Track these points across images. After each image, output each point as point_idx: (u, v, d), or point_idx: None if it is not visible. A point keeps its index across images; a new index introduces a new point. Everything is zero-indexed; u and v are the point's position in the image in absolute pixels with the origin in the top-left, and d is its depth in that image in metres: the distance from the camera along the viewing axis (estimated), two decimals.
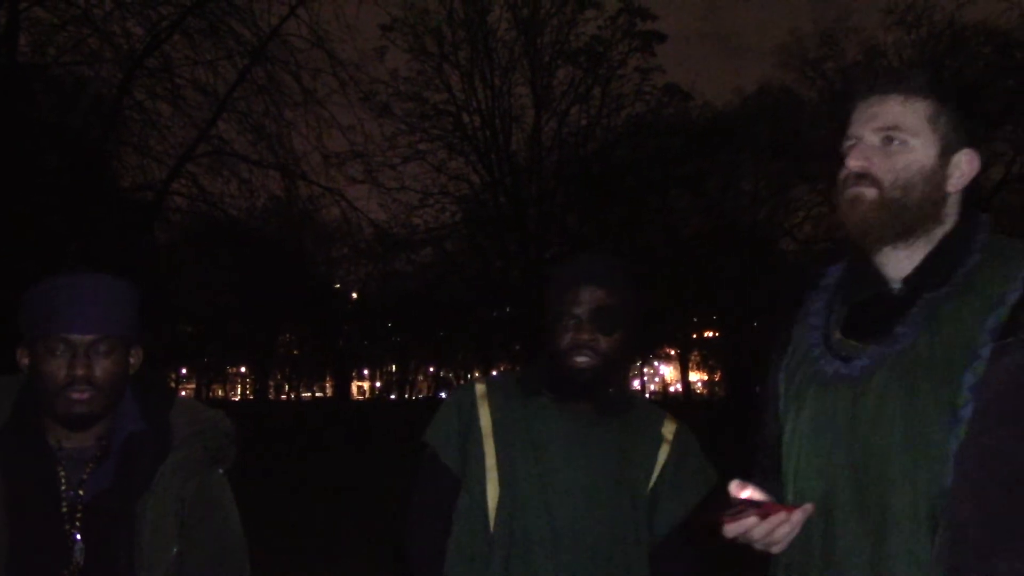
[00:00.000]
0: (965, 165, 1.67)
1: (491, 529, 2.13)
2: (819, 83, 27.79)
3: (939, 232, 1.66)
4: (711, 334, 49.10)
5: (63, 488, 1.92)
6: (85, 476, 1.94)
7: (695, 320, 43.73)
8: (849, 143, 1.69)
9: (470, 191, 27.81)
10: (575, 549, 2.11)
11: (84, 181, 13.70)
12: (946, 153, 1.65)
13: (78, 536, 1.90)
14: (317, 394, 69.41)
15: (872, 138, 1.66)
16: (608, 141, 28.04)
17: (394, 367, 59.75)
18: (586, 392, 2.20)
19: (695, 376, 65.84)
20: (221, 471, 2.08)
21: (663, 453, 2.25)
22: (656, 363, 74.34)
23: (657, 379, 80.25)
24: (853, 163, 1.65)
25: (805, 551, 1.62)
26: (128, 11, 14.50)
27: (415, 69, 26.52)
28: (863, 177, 1.64)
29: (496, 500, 2.14)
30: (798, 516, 1.56)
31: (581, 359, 2.15)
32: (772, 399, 1.83)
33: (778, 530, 1.57)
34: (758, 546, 1.60)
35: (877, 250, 1.68)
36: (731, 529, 1.57)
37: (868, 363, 1.60)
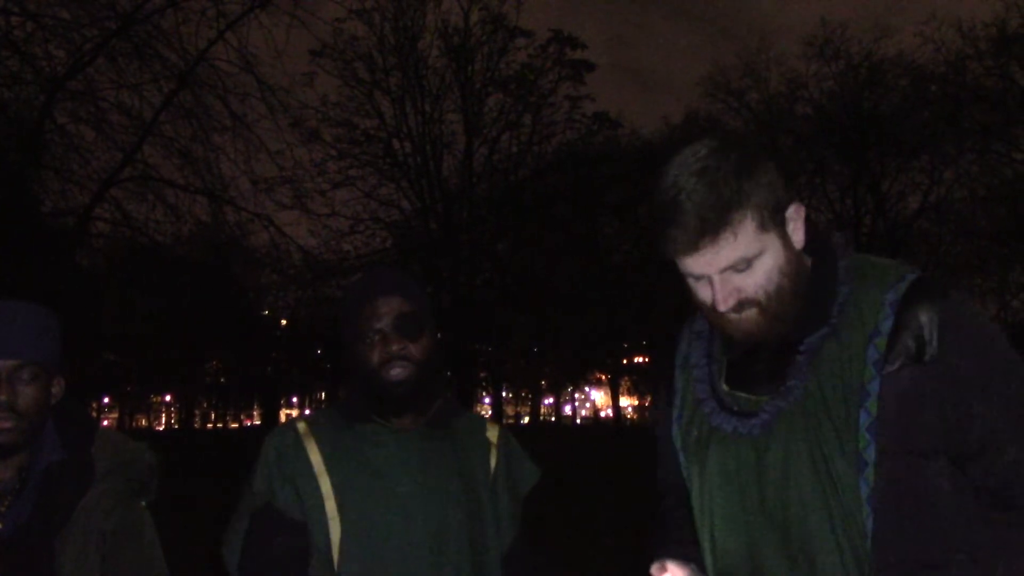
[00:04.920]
0: (793, 220, 1.61)
1: (336, 570, 2.02)
2: (744, 113, 28.46)
3: (805, 275, 1.63)
4: (641, 360, 49.60)
5: None
6: (3, 509, 1.89)
7: (625, 346, 44.12)
8: (699, 280, 1.61)
9: (401, 217, 27.78)
10: (436, 569, 2.05)
11: (3, 206, 13.35)
12: (784, 233, 1.59)
13: None
14: (246, 422, 68.24)
15: (724, 276, 1.57)
16: (538, 168, 28.28)
17: (323, 394, 59.05)
18: (410, 404, 2.14)
19: (626, 401, 66.33)
20: (143, 504, 2.04)
21: (493, 458, 2.24)
22: (587, 389, 74.74)
23: (588, 404, 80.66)
24: (724, 308, 1.58)
25: None
26: (50, 33, 14.24)
27: (345, 95, 26.47)
28: (740, 305, 1.58)
29: (339, 538, 2.03)
30: None
31: (396, 371, 2.09)
32: (671, 453, 1.80)
33: None
34: None
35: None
36: None
37: (767, 418, 1.59)
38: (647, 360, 47.08)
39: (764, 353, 1.64)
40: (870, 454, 1.49)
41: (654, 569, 1.59)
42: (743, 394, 1.65)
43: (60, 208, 15.53)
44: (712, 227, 1.52)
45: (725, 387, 1.69)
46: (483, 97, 28.00)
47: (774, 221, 1.56)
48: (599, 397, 77.00)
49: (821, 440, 1.53)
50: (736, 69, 28.68)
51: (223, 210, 16.65)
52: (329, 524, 2.04)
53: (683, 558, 1.64)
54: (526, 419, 62.14)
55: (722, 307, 1.58)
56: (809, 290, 1.62)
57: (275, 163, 16.93)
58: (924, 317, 1.52)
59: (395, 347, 2.10)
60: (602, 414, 73.97)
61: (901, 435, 1.49)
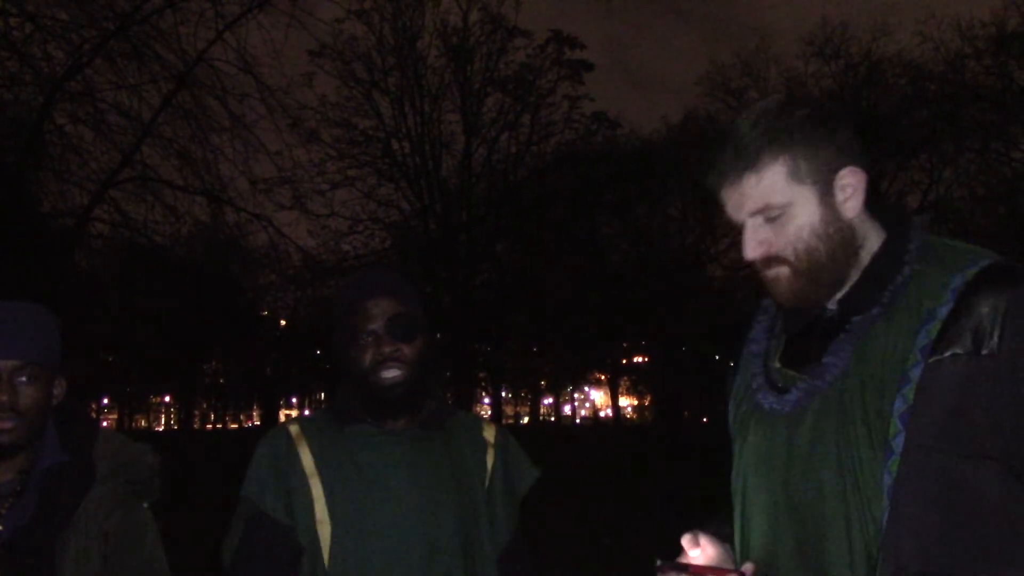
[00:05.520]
0: (852, 182, 1.54)
1: (327, 572, 2.01)
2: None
3: (866, 251, 1.56)
4: (640, 359, 49.61)
5: None
6: (4, 511, 1.89)
7: (624, 346, 44.13)
8: (737, 227, 1.60)
9: (400, 217, 27.79)
10: (428, 570, 2.05)
11: (2, 207, 13.34)
12: (825, 192, 1.53)
13: None
14: (246, 423, 68.21)
15: (754, 221, 1.56)
16: (537, 168, 28.30)
17: (323, 394, 59.05)
18: (403, 406, 2.13)
19: (625, 401, 66.32)
20: (145, 505, 2.04)
21: (490, 458, 2.24)
22: (587, 388, 74.74)
23: (588, 404, 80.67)
24: (750, 255, 1.57)
25: None
26: (49, 34, 14.23)
27: (344, 95, 26.50)
28: (769, 260, 1.56)
29: (330, 541, 2.03)
30: None
31: (389, 373, 2.08)
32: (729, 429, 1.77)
33: None
34: None
35: (822, 305, 1.59)
36: None
37: (800, 396, 1.52)
38: (646, 360, 47.06)
39: (818, 330, 1.57)
40: (898, 443, 1.38)
41: (685, 541, 1.55)
42: (790, 371, 1.58)
43: (59, 209, 15.53)
44: (739, 165, 1.53)
45: (777, 364, 1.63)
46: (482, 97, 28.03)
47: (812, 177, 1.52)
48: (598, 397, 76.96)
49: (850, 424, 1.44)
50: (735, 68, 28.73)
51: (222, 211, 16.67)
52: (319, 527, 2.05)
53: (719, 536, 1.61)
54: (525, 419, 62.17)
55: (748, 255, 1.56)
56: (869, 265, 1.55)
57: (274, 163, 17.00)
58: (987, 305, 1.38)
59: (387, 349, 2.09)
60: (601, 414, 73.95)
61: (941, 431, 1.37)
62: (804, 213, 1.53)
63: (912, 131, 24.98)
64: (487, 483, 2.20)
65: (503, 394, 45.84)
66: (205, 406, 65.41)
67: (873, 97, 26.63)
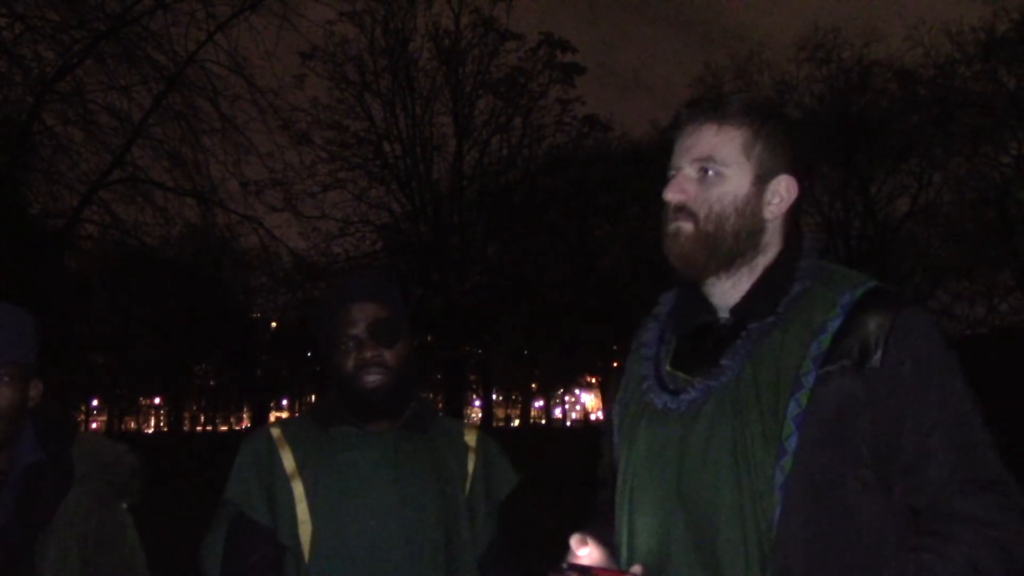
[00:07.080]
0: (784, 191, 1.63)
1: (308, 571, 2.02)
2: None
3: (763, 260, 1.64)
4: None
5: None
6: None
7: (615, 348, 44.20)
8: (670, 173, 1.67)
9: (391, 220, 27.74)
10: (409, 570, 2.05)
11: None
12: (762, 180, 1.62)
13: None
14: (236, 426, 68.02)
15: (690, 170, 1.64)
16: (529, 171, 28.26)
17: (313, 397, 58.95)
18: (385, 410, 2.14)
19: None
20: (125, 506, 2.03)
21: (471, 462, 2.24)
22: (577, 391, 74.76)
23: (578, 407, 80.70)
24: (670, 195, 1.63)
25: None
26: (39, 35, 14.20)
27: (335, 97, 26.43)
28: (681, 210, 1.63)
29: (311, 541, 2.04)
30: None
31: (371, 378, 2.09)
32: (608, 431, 1.82)
33: None
34: None
35: (702, 280, 1.66)
36: None
37: (696, 396, 1.58)
38: None
39: (712, 336, 1.64)
40: (791, 443, 1.46)
41: (573, 541, 1.58)
42: (682, 374, 1.64)
43: (49, 210, 15.50)
44: (712, 111, 1.64)
45: (668, 368, 1.68)
46: (473, 100, 28.00)
47: (759, 162, 1.62)
48: (589, 400, 77.00)
49: (745, 423, 1.50)
50: (727, 72, 28.73)
51: (213, 212, 16.66)
52: (300, 527, 2.05)
53: (602, 542, 1.63)
54: (516, 422, 62.17)
55: (667, 195, 1.63)
56: (765, 276, 1.63)
57: (265, 165, 16.94)
58: (873, 323, 1.50)
59: (369, 354, 2.10)
60: (592, 417, 73.99)
61: (825, 436, 1.46)
62: (734, 183, 1.61)
63: (902, 135, 25.03)
64: (468, 486, 2.21)
65: (494, 397, 45.82)
66: (195, 408, 65.23)
67: (863, 101, 26.68)
